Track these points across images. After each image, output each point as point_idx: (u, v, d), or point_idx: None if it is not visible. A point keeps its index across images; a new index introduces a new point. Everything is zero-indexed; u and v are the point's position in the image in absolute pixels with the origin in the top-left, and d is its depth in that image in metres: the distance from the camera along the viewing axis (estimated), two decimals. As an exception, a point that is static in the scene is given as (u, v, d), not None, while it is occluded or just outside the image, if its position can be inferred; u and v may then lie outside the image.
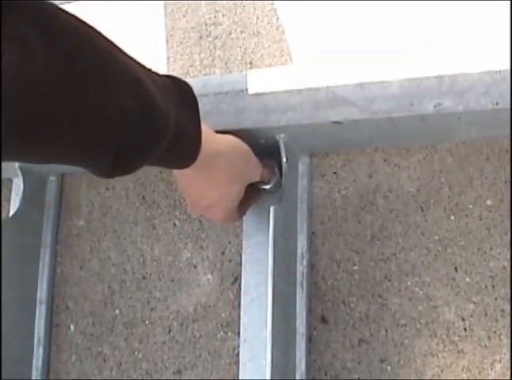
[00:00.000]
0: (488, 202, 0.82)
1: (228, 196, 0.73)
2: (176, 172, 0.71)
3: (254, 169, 0.77)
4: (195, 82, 0.83)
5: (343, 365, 0.84)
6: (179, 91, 0.62)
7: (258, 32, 1.00)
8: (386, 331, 0.83)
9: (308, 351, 0.85)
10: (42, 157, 0.51)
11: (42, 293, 1.00)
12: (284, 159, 0.80)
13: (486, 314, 0.79)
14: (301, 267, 0.86)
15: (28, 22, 0.44)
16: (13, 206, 0.98)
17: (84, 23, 0.51)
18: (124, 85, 0.52)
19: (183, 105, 0.61)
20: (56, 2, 0.49)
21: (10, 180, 1.03)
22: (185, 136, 0.61)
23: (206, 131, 0.65)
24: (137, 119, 0.53)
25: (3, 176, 1.01)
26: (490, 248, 0.80)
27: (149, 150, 0.56)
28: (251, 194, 0.80)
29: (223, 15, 1.04)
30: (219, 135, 0.71)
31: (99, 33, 0.52)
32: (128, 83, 0.52)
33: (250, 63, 1.00)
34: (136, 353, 0.94)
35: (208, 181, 0.70)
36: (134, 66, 0.55)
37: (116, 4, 1.09)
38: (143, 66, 0.57)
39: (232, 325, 0.90)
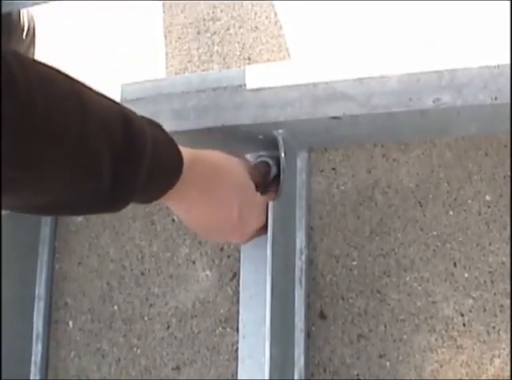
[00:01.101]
0: (487, 197, 0.82)
1: (234, 217, 0.72)
2: (177, 212, 0.71)
3: (247, 178, 0.76)
4: (193, 78, 0.83)
5: (342, 361, 0.84)
6: (153, 124, 0.62)
7: (256, 28, 1.00)
8: (385, 326, 0.83)
9: (307, 347, 0.85)
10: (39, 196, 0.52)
11: (40, 289, 1.00)
12: (282, 154, 0.80)
13: (485, 310, 0.79)
14: (300, 263, 0.86)
15: (12, 58, 0.46)
16: (12, 202, 0.97)
17: (61, 73, 0.53)
18: (100, 107, 0.53)
19: (159, 131, 0.62)
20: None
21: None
22: (164, 151, 0.61)
23: (188, 152, 0.65)
24: (120, 136, 0.54)
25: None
26: (489, 244, 0.80)
27: (134, 166, 0.56)
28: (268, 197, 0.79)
29: (222, 10, 1.04)
30: (202, 153, 0.69)
31: (75, 80, 0.54)
32: (103, 106, 0.54)
33: (249, 59, 1.00)
34: (135, 349, 0.94)
35: (209, 208, 0.69)
36: (104, 97, 0.56)
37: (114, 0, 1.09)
38: (114, 101, 0.58)
39: (231, 321, 0.90)
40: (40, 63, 0.50)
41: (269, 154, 0.83)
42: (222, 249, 0.92)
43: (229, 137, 0.76)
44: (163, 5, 1.08)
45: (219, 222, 0.71)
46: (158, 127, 0.62)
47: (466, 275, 0.81)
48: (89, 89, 0.54)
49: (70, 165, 0.51)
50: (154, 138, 0.58)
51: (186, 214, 0.69)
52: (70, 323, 0.99)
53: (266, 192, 0.79)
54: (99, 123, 0.52)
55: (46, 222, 1.01)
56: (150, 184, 0.60)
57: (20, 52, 0.49)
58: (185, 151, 0.63)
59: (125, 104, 0.58)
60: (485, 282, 0.80)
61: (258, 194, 0.76)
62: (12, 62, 0.45)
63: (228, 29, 1.02)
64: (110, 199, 0.56)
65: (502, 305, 0.79)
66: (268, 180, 0.82)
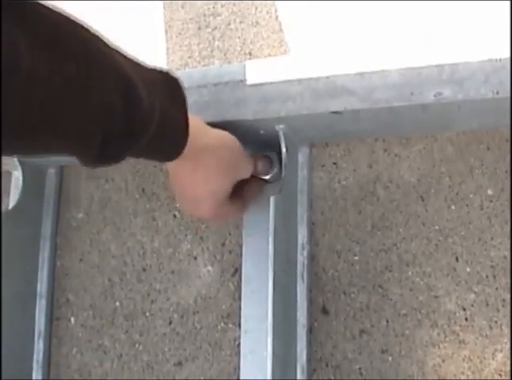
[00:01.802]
0: (489, 191, 0.81)
1: (215, 192, 0.73)
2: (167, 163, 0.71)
3: (243, 166, 0.77)
4: (194, 73, 0.83)
5: (344, 356, 0.84)
6: (167, 85, 0.62)
7: (257, 23, 1.00)
8: (387, 321, 0.83)
9: (309, 342, 0.85)
10: (28, 150, 0.53)
11: (42, 286, 0.99)
12: (283, 150, 0.80)
13: (487, 304, 0.79)
14: (302, 258, 0.86)
15: (12, 22, 0.44)
16: (13, 199, 0.97)
17: (69, 19, 0.52)
18: (109, 79, 0.53)
19: (170, 98, 0.61)
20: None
21: (9, 173, 1.03)
22: (170, 128, 0.61)
23: (196, 124, 0.65)
24: (121, 111, 0.53)
25: (2, 169, 1.01)
26: (491, 238, 0.80)
27: (133, 140, 0.57)
28: (249, 190, 0.80)
29: (222, 6, 1.03)
30: (211, 130, 0.71)
31: (85, 28, 0.53)
32: (112, 78, 0.53)
33: (249, 54, 0.99)
34: (137, 345, 0.94)
35: (195, 175, 0.70)
36: (120, 61, 0.55)
37: (114, -5, 1.09)
38: (130, 60, 0.58)
39: (233, 317, 0.90)
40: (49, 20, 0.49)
41: (271, 150, 0.82)
42: (223, 245, 0.92)
43: (230, 132, 0.76)
44: (164, 1, 1.08)
45: (203, 192, 0.72)
46: (171, 90, 0.62)
47: (468, 269, 0.80)
48: (100, 48, 0.54)
49: (64, 137, 0.51)
50: (162, 114, 0.59)
51: (180, 172, 0.70)
52: (72, 320, 0.99)
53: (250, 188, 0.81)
54: (98, 105, 0.52)
55: (47, 218, 1.01)
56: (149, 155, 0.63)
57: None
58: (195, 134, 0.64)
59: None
60: (487, 276, 0.80)
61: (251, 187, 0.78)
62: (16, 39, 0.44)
63: (229, 24, 1.02)
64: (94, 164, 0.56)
65: (504, 300, 0.78)
66: (269, 175, 0.82)
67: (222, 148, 0.71)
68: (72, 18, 0.52)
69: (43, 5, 0.49)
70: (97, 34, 0.54)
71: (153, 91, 0.58)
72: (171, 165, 0.70)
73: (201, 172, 0.69)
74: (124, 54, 0.57)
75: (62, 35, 0.49)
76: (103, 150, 0.54)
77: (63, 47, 0.49)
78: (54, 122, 0.49)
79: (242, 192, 0.78)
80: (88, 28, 0.53)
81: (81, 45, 0.51)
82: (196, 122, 0.66)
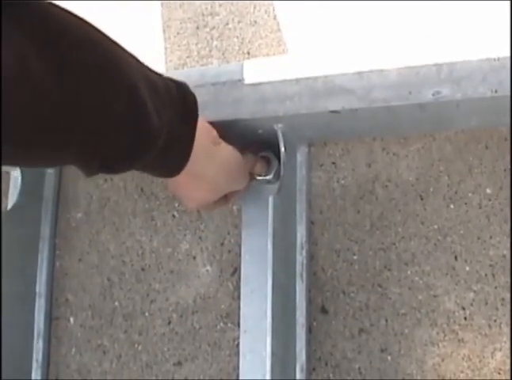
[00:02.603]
0: (488, 190, 0.81)
1: (205, 199, 0.73)
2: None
3: (239, 182, 0.77)
4: (192, 73, 0.83)
5: (343, 355, 0.84)
6: (182, 101, 0.61)
7: (255, 22, 1.00)
8: (386, 320, 0.83)
9: (308, 342, 0.85)
10: (30, 161, 0.52)
11: (41, 286, 0.99)
12: (282, 149, 0.80)
13: (486, 303, 0.79)
14: (301, 258, 0.86)
15: (22, 24, 0.44)
16: (12, 199, 0.97)
17: (80, 19, 0.51)
18: (118, 90, 0.52)
19: (181, 117, 0.61)
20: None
21: (8, 174, 1.03)
22: (172, 153, 0.61)
23: (202, 142, 0.65)
24: (129, 128, 0.53)
25: (1, 169, 1.00)
26: (490, 237, 0.80)
27: (137, 157, 0.56)
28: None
29: (220, 5, 1.03)
30: (215, 148, 0.70)
31: (96, 29, 0.52)
32: (121, 91, 0.52)
33: (248, 53, 0.99)
34: (136, 345, 0.94)
35: (190, 184, 0.69)
36: (132, 67, 0.54)
37: (112, -5, 1.09)
38: (144, 67, 0.57)
39: (232, 316, 0.90)
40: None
41: (269, 149, 0.82)
42: (222, 244, 0.92)
43: (228, 132, 0.76)
44: (162, 1, 1.08)
45: (194, 195, 0.72)
46: (184, 105, 0.62)
47: (467, 268, 0.80)
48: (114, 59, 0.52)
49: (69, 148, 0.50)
50: (168, 136, 0.58)
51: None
52: (71, 319, 0.99)
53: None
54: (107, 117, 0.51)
55: (46, 218, 1.01)
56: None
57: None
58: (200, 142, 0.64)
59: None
60: (486, 275, 0.80)
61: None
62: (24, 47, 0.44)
63: (227, 24, 1.02)
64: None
65: (503, 299, 0.78)
66: (268, 175, 0.82)
67: (222, 168, 0.71)
68: (83, 20, 0.51)
69: (54, 5, 0.48)
70: (106, 35, 0.53)
71: (164, 105, 0.57)
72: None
73: (196, 183, 0.69)
74: (135, 57, 0.56)
75: (71, 37, 0.48)
76: (104, 164, 0.54)
77: (73, 51, 0.48)
78: (57, 129, 0.48)
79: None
80: (97, 28, 0.52)
81: (91, 47, 0.50)
82: (202, 139, 0.65)
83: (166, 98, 0.58)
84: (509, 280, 0.78)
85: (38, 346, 0.98)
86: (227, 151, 0.72)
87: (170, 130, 0.58)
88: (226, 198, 0.78)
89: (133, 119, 0.53)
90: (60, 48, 0.47)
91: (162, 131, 0.56)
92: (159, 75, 0.59)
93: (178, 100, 0.60)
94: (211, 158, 0.69)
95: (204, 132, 0.66)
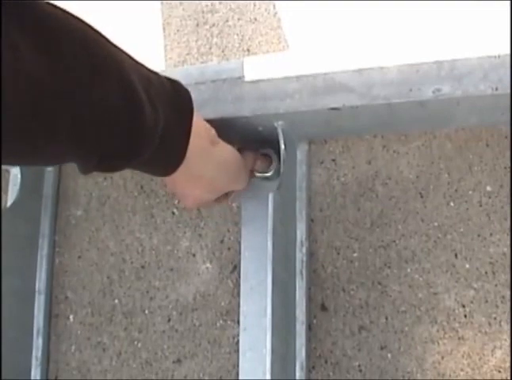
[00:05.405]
0: (488, 188, 0.81)
1: (202, 199, 0.73)
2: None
3: (238, 182, 0.77)
4: (192, 70, 0.83)
5: (343, 352, 0.84)
6: (176, 97, 0.61)
7: (256, 19, 1.00)
8: (386, 318, 0.83)
9: (308, 339, 0.85)
10: (28, 158, 0.51)
11: (41, 283, 0.99)
12: (282, 146, 0.80)
13: (486, 301, 0.79)
14: (300, 255, 0.86)
15: (15, 23, 0.44)
16: (11, 196, 0.97)
17: (75, 18, 0.51)
18: (113, 86, 0.51)
19: (177, 113, 0.60)
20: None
21: (8, 171, 1.02)
22: (168, 149, 0.60)
23: (199, 143, 0.64)
24: (125, 123, 0.52)
25: (1, 167, 1.00)
26: (490, 235, 0.80)
27: (134, 153, 0.56)
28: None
29: (220, 2, 1.03)
30: (213, 149, 0.69)
31: (91, 28, 0.52)
32: (117, 84, 0.52)
33: (248, 50, 0.99)
34: (136, 342, 0.94)
35: (187, 182, 0.69)
36: (127, 66, 0.54)
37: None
38: (138, 64, 0.57)
39: (232, 314, 0.90)
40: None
41: (269, 146, 0.82)
42: (222, 242, 0.92)
43: (228, 129, 0.75)
44: (162, -2, 1.08)
45: (192, 194, 0.72)
46: (178, 103, 0.61)
47: (467, 266, 0.80)
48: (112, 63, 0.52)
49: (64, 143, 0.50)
50: (164, 133, 0.58)
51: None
52: (71, 317, 0.99)
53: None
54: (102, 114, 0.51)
55: (45, 216, 1.01)
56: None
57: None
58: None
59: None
60: (486, 273, 0.80)
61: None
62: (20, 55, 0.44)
63: (227, 21, 1.02)
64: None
65: (503, 296, 0.78)
66: (268, 172, 0.82)
67: (221, 168, 0.71)
68: (78, 18, 0.51)
69: (48, 4, 0.48)
70: (101, 33, 0.53)
71: (159, 103, 0.57)
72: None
73: (194, 182, 0.69)
74: (130, 55, 0.56)
75: (66, 35, 0.48)
76: (102, 161, 0.54)
77: (67, 48, 0.48)
78: (52, 125, 0.47)
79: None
80: (92, 26, 0.52)
81: (85, 45, 0.50)
82: (200, 139, 0.64)
83: (161, 94, 0.58)
84: (509, 278, 0.78)
85: (38, 343, 0.98)
86: (225, 151, 0.72)
87: (166, 125, 0.58)
88: (226, 196, 0.78)
89: (129, 115, 0.52)
90: (56, 45, 0.47)
91: (158, 126, 0.56)
92: (154, 73, 0.59)
93: (173, 97, 0.60)
94: (209, 158, 0.68)
95: (201, 131, 0.65)
